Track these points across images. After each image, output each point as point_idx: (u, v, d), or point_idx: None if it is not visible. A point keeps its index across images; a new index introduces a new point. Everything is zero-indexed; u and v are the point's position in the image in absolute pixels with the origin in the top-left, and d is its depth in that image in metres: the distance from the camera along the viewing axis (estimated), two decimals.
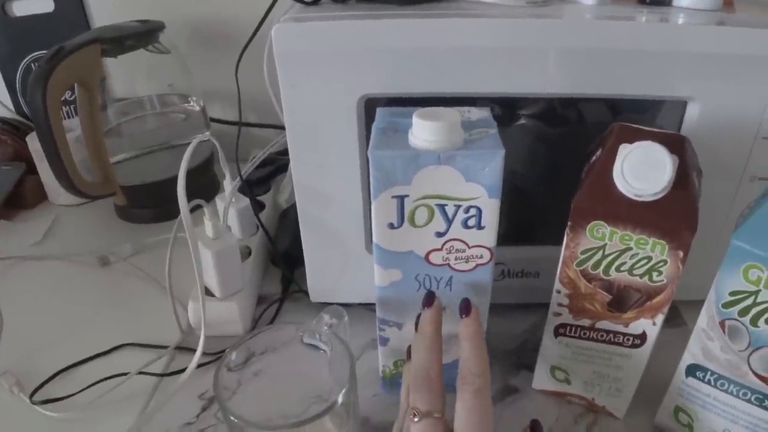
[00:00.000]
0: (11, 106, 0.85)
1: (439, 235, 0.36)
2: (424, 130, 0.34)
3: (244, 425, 0.32)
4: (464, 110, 0.38)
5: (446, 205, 0.35)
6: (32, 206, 0.75)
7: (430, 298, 0.37)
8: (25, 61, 0.82)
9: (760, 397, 0.36)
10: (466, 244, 0.37)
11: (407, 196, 0.35)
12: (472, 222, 0.36)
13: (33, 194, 0.75)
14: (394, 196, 0.35)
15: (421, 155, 0.34)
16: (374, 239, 0.37)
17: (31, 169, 0.75)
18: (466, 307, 0.36)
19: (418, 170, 0.34)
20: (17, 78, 0.83)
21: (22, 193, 0.74)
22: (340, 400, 0.33)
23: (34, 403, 0.46)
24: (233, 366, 0.37)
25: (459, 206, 0.35)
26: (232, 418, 0.32)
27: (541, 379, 0.45)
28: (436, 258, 0.37)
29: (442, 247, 0.37)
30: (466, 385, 0.32)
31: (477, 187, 0.35)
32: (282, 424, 0.32)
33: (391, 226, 0.36)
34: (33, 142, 0.72)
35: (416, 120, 0.34)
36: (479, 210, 0.35)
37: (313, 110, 0.43)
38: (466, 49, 0.40)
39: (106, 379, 0.47)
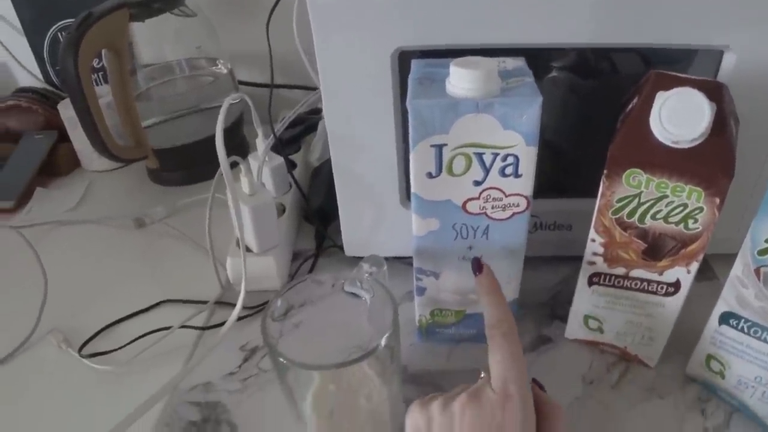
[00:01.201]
0: (40, 76, 0.87)
1: (477, 183, 0.37)
2: (462, 78, 0.34)
3: (291, 365, 0.33)
4: (499, 60, 0.39)
5: (484, 153, 0.36)
6: (66, 173, 0.77)
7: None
8: (51, 30, 0.82)
9: None
10: (503, 193, 0.37)
11: (445, 145, 0.35)
12: (509, 170, 0.36)
13: (66, 161, 0.77)
14: (432, 145, 0.36)
15: (459, 103, 0.34)
16: (412, 188, 0.38)
17: (63, 137, 0.76)
18: (478, 265, 0.38)
19: (456, 119, 0.34)
20: (45, 47, 0.84)
21: (56, 160, 0.76)
22: (383, 343, 0.34)
23: (83, 357, 0.48)
24: (276, 316, 0.39)
25: (496, 154, 0.36)
26: (280, 359, 0.33)
27: (574, 328, 0.45)
28: (473, 207, 0.38)
29: (480, 195, 0.37)
30: (494, 331, 0.34)
31: (515, 135, 0.35)
32: (326, 364, 0.33)
33: (429, 175, 0.37)
34: (64, 110, 0.73)
35: (454, 68, 0.34)
36: (516, 158, 0.36)
37: (347, 64, 0.43)
38: None
39: (149, 333, 0.49)
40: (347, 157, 0.47)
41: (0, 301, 0.56)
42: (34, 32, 0.83)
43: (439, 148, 0.36)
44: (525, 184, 0.37)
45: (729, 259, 0.37)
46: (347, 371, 0.35)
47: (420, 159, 0.36)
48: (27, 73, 0.86)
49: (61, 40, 0.82)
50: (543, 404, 0.33)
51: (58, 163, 0.76)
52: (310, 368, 0.33)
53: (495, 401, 0.31)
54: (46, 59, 0.85)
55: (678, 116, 0.34)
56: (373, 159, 0.47)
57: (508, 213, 0.38)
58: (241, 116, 0.73)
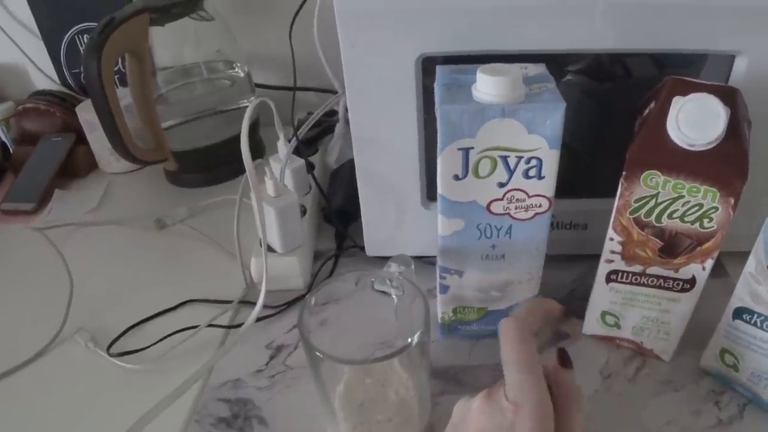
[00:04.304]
0: (56, 78, 0.88)
1: (501, 185, 0.38)
2: (489, 85, 0.35)
3: (325, 359, 0.34)
4: (522, 66, 0.40)
5: (508, 156, 0.37)
6: (84, 175, 0.78)
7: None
8: (69, 33, 0.83)
9: None
10: (527, 194, 0.39)
11: (472, 148, 0.37)
12: (532, 172, 0.38)
13: (84, 163, 0.78)
14: (459, 149, 0.37)
15: (486, 109, 0.36)
16: (439, 190, 0.39)
17: (81, 139, 0.77)
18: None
19: (483, 123, 0.36)
20: (62, 50, 0.85)
21: (74, 162, 0.77)
22: (416, 340, 0.35)
23: (111, 356, 0.49)
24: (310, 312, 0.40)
25: (521, 157, 0.37)
26: (316, 353, 0.34)
27: (591, 324, 0.47)
28: (497, 207, 0.39)
29: (504, 196, 0.39)
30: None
31: (538, 139, 0.36)
32: (360, 360, 0.34)
33: (456, 177, 0.38)
34: (82, 113, 0.74)
35: (481, 76, 0.36)
36: (540, 161, 0.37)
37: (372, 70, 0.44)
38: (518, 6, 0.41)
39: (176, 332, 0.50)
40: (370, 159, 0.49)
41: (26, 301, 0.57)
42: (51, 35, 0.84)
43: (466, 151, 0.37)
44: (547, 185, 0.38)
45: (740, 256, 0.38)
46: (378, 365, 0.36)
47: (447, 162, 0.38)
48: (43, 75, 0.87)
49: (78, 43, 0.84)
50: (560, 387, 0.31)
51: (76, 165, 0.77)
52: (345, 362, 0.35)
53: (506, 409, 0.29)
54: (62, 62, 0.86)
55: (694, 120, 0.36)
56: (396, 161, 0.48)
57: (531, 213, 0.40)
58: (257, 119, 0.75)
